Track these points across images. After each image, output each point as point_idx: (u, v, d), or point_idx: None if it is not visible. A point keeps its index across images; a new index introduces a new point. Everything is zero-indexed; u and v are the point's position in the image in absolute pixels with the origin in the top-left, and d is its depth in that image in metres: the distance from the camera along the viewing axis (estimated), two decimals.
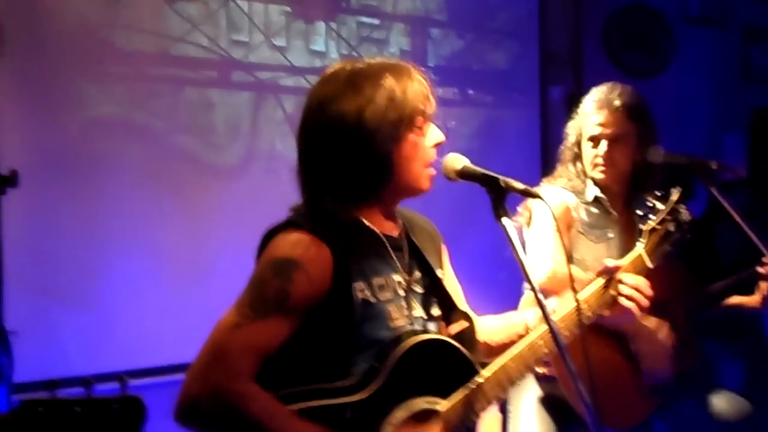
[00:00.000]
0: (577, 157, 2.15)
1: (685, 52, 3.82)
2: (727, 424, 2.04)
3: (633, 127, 2.10)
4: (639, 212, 1.74)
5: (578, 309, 1.41)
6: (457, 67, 3.30)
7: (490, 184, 1.37)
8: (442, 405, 1.39)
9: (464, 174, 1.42)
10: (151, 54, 2.64)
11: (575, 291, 1.38)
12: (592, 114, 2.11)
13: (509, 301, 2.10)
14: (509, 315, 1.61)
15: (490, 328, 1.57)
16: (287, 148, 2.91)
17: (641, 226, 1.70)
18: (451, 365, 1.40)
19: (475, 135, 3.37)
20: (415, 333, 1.40)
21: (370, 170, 1.39)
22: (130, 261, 2.55)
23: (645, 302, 1.55)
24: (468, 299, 1.70)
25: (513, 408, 2.06)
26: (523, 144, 3.42)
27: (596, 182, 2.14)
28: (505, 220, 1.35)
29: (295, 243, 1.34)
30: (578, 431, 2.02)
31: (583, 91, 3.41)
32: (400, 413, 1.36)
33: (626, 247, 2.14)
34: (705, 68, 3.86)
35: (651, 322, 1.99)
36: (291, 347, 1.34)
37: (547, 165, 3.42)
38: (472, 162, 1.45)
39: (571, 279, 1.36)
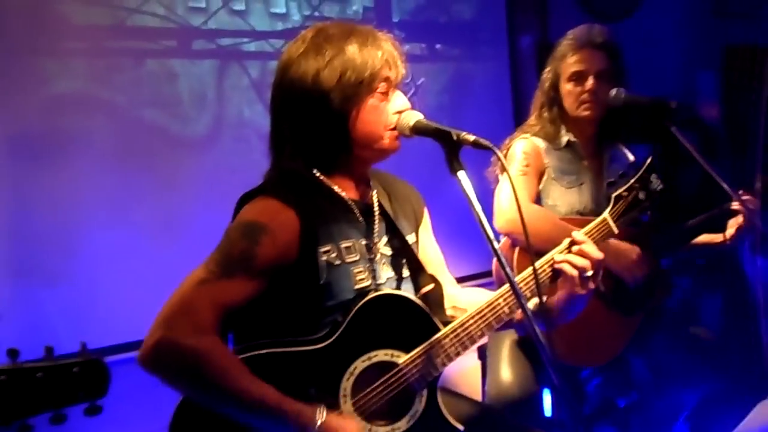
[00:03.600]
0: (553, 101, 2.16)
1: None
2: (699, 356, 2.08)
3: (611, 65, 2.11)
4: (610, 180, 1.76)
5: (535, 274, 1.41)
6: (422, 21, 3.25)
7: (443, 138, 1.37)
8: (402, 358, 1.42)
9: (417, 129, 1.44)
10: (108, 27, 2.60)
11: (531, 247, 1.38)
12: (574, 53, 2.11)
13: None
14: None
15: (474, 300, 1.58)
16: (255, 115, 2.89)
17: (609, 193, 1.73)
18: (412, 321, 1.43)
19: (444, 90, 3.34)
20: (377, 290, 1.44)
21: (328, 132, 1.42)
22: (105, 236, 2.55)
23: (584, 272, 1.49)
24: (458, 253, 1.71)
25: (490, 352, 2.10)
26: (494, 96, 3.40)
27: (569, 128, 2.15)
28: (460, 173, 1.35)
29: (263, 208, 1.39)
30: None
31: (551, 37, 3.40)
32: (360, 363, 1.40)
33: (597, 193, 2.17)
34: (675, 6, 3.82)
35: (611, 241, 2.00)
36: (262, 306, 1.38)
37: (519, 115, 3.41)
38: (442, 118, 1.46)
39: (526, 232, 1.35)
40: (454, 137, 1.36)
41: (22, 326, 2.35)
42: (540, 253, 1.56)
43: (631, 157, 2.29)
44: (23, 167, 2.43)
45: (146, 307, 2.52)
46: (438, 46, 3.28)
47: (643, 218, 1.73)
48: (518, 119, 3.36)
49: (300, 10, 2.98)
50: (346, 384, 1.38)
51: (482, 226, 1.33)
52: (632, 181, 1.72)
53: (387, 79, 1.44)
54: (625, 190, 1.71)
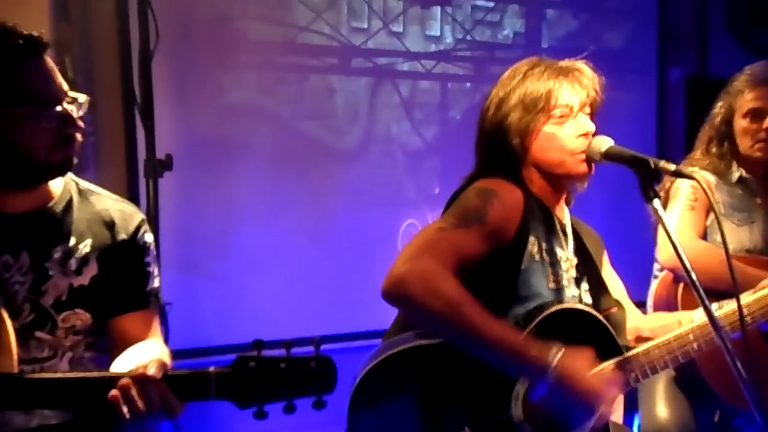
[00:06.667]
0: (724, 137, 2.11)
1: None
2: None
3: None
4: None
5: (740, 312, 1.39)
6: (571, 48, 3.23)
7: (639, 165, 1.39)
8: None
9: (610, 155, 1.47)
10: (278, 43, 2.78)
11: (735, 280, 1.37)
12: (752, 89, 2.07)
13: (638, 283, 2.11)
14: (673, 315, 1.64)
15: (656, 327, 1.59)
16: (402, 132, 3.00)
17: None
18: (595, 340, 1.44)
19: None
20: (564, 301, 1.48)
21: (505, 155, 1.51)
22: (259, 238, 2.71)
23: None
24: None
25: (643, 387, 2.06)
26: (638, 128, 3.33)
27: (741, 164, 2.10)
28: (656, 201, 1.37)
29: (494, 181, 1.48)
30: (713, 410, 2.00)
31: (707, 71, 3.32)
32: None
33: None
34: None
35: None
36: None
37: (663, 149, 3.34)
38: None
39: (731, 266, 1.35)
40: (652, 165, 1.37)
41: (184, 315, 2.53)
42: (706, 291, 1.54)
43: None
44: (193, 170, 2.63)
45: (290, 306, 2.70)
46: (596, 72, 3.26)
47: None
48: (661, 153, 3.29)
49: (453, 34, 3.06)
50: (521, 388, 1.41)
51: (679, 256, 1.34)
52: None
53: (567, 106, 1.49)
54: None
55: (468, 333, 1.32)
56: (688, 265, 1.34)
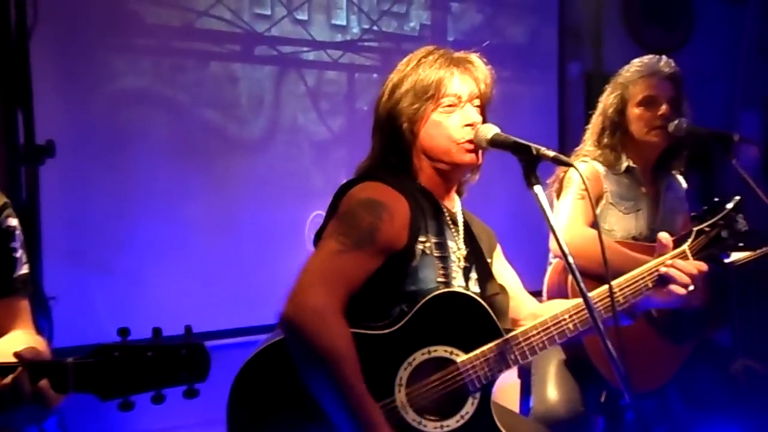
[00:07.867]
0: (617, 126, 2.17)
1: (704, 28, 3.81)
2: (746, 390, 2.08)
3: (678, 95, 2.14)
4: (693, 213, 1.77)
5: (611, 295, 1.46)
6: (475, 41, 3.28)
7: (521, 151, 1.41)
8: (461, 357, 1.45)
9: (495, 142, 1.49)
10: (177, 27, 2.67)
11: (606, 262, 1.40)
12: (642, 80, 2.14)
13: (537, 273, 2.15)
14: (569, 301, 1.64)
15: (545, 308, 1.63)
16: (308, 122, 2.95)
17: (692, 227, 1.74)
18: (476, 323, 1.47)
19: (491, 110, 3.37)
20: (447, 286, 1.48)
21: (396, 141, 1.52)
22: (157, 230, 2.61)
23: (690, 284, 1.59)
24: None
25: (536, 370, 2.11)
26: (540, 120, 3.43)
27: (629, 155, 2.17)
28: (537, 187, 1.38)
29: (378, 189, 1.45)
30: (600, 391, 2.08)
31: (603, 66, 3.45)
32: (419, 355, 1.43)
33: (653, 220, 2.19)
34: (723, 44, 3.85)
35: None
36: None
37: (564, 141, 3.44)
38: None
39: (603, 252, 1.39)
40: (534, 151, 1.39)
41: (71, 309, 2.40)
42: (594, 277, 1.59)
43: (685, 186, 2.31)
44: (85, 157, 2.50)
45: (191, 301, 2.60)
46: (488, 66, 3.32)
47: (723, 256, 1.73)
48: (562, 145, 3.39)
49: (359, 24, 3.05)
50: (403, 374, 1.41)
51: (557, 240, 1.36)
52: (717, 217, 1.72)
53: (456, 96, 1.52)
54: (708, 226, 1.71)
55: (333, 388, 1.31)
56: (566, 250, 1.37)
